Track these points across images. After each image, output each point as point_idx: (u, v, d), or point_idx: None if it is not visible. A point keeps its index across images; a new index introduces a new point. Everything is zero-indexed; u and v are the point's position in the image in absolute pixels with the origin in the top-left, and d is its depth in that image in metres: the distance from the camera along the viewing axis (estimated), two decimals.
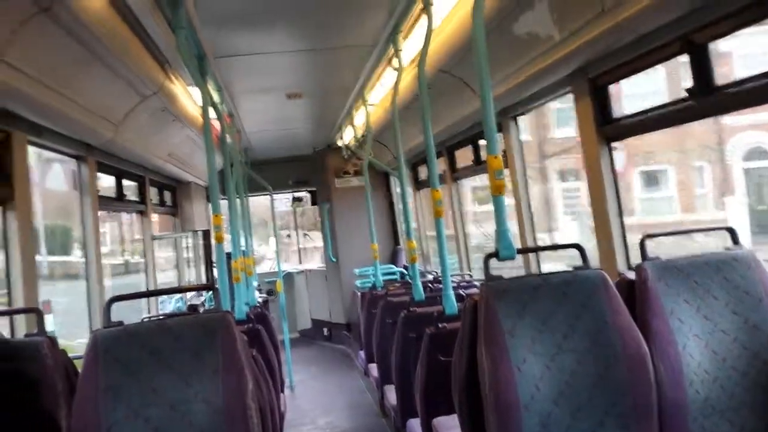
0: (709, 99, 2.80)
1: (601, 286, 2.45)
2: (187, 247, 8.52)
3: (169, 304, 7.01)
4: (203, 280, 8.98)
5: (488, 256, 2.63)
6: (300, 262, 11.94)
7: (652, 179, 6.68)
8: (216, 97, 5.25)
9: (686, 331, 2.44)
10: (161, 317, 3.12)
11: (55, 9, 2.75)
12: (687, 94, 2.91)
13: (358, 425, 5.92)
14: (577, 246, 2.67)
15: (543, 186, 8.79)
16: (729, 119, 4.96)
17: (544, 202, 8.81)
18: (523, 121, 4.87)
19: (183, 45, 3.58)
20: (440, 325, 3.51)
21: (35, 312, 2.63)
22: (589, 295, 2.43)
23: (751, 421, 2.41)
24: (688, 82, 2.87)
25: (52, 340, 2.49)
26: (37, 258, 3.63)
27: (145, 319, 3.12)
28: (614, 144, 3.67)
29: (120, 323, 2.51)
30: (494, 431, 2.28)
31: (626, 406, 2.32)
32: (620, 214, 3.61)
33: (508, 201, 4.80)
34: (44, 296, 3.62)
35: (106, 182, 5.37)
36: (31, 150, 3.68)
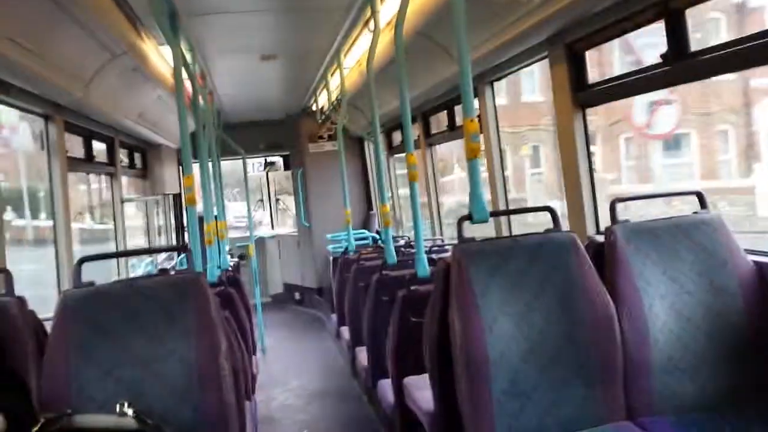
0: (683, 64, 2.83)
1: (571, 249, 2.50)
2: (157, 213, 8.43)
3: (140, 269, 6.95)
4: (173, 243, 8.92)
5: (461, 219, 2.66)
6: (272, 227, 11.90)
7: (673, 144, 6.39)
8: (188, 57, 5.14)
9: (652, 292, 2.51)
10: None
11: None
12: (661, 60, 2.94)
13: (329, 386, 5.99)
14: (548, 208, 2.71)
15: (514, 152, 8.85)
16: (756, 81, 4.77)
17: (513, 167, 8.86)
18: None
19: (155, 2, 3.50)
20: (412, 288, 3.54)
21: (3, 272, 2.59)
22: (559, 257, 2.48)
23: (712, 378, 2.49)
24: None
25: (21, 300, 2.46)
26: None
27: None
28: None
29: (91, 283, 2.49)
30: (464, 388, 2.33)
31: (592, 365, 2.39)
32: (591, 178, 3.65)
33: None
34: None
35: (76, 144, 5.27)
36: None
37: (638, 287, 2.50)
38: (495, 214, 2.84)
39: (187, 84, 5.02)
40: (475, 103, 4.85)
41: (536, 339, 2.38)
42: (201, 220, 4.55)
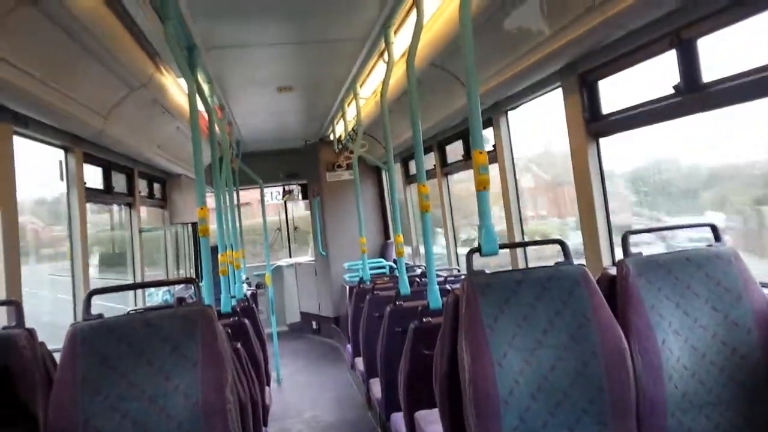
0: (695, 96, 2.81)
1: (582, 282, 2.45)
2: (176, 242, 8.49)
3: (157, 297, 6.99)
4: (192, 273, 8.96)
5: (471, 251, 2.63)
6: (290, 256, 11.93)
7: None
8: (206, 89, 5.22)
9: (666, 327, 2.45)
10: (142, 310, 3.11)
11: None
12: (674, 91, 2.92)
13: (343, 419, 5.93)
14: (559, 241, 2.67)
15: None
16: None
17: None
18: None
19: (172, 36, 3.56)
20: (424, 320, 3.51)
21: (14, 304, 2.61)
22: (570, 290, 2.44)
23: (728, 416, 2.42)
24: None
25: (31, 332, 2.47)
26: None
27: (131, 312, 3.10)
28: None
29: (99, 316, 2.50)
30: (473, 425, 2.28)
31: (604, 402, 2.33)
32: (606, 209, 3.61)
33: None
34: None
35: (95, 174, 5.35)
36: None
37: (651, 321, 2.44)
38: (505, 246, 2.81)
39: (205, 115, 5.09)
40: (491, 132, 4.91)
41: (546, 375, 2.33)
42: (215, 249, 4.57)
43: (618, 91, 3.47)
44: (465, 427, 2.37)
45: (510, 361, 2.32)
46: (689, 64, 2.82)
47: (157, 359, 2.37)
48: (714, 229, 2.70)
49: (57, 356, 2.49)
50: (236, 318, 4.36)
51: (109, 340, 2.38)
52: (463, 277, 2.53)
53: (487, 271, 2.53)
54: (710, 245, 2.67)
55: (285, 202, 11.75)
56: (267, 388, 4.72)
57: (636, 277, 2.51)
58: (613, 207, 3.68)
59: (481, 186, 2.69)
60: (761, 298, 2.51)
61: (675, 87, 2.90)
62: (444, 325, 2.53)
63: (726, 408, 2.42)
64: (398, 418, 3.84)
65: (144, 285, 5.35)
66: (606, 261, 3.57)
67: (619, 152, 3.72)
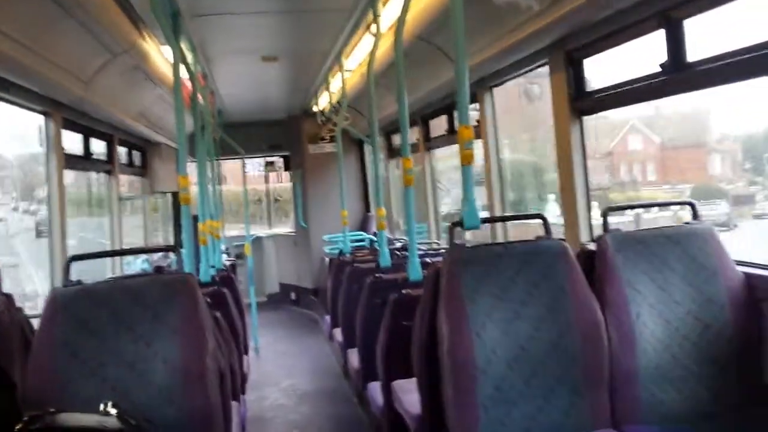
0: (681, 75, 2.83)
1: (562, 256, 2.50)
2: (155, 210, 8.44)
3: (135, 266, 6.95)
4: (172, 242, 8.92)
5: (453, 225, 2.66)
6: (270, 227, 11.91)
7: None
8: (189, 58, 5.15)
9: (641, 301, 2.51)
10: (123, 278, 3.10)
11: None
12: (660, 69, 2.94)
13: (320, 387, 5.99)
14: (540, 216, 2.71)
15: None
16: None
17: None
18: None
19: (156, 1, 3.50)
20: (404, 291, 3.54)
21: None
22: (550, 264, 2.48)
23: (698, 389, 2.49)
24: None
25: (8, 297, 2.45)
26: None
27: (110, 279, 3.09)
28: None
29: (79, 282, 2.49)
30: (450, 394, 2.33)
31: (578, 373, 2.39)
32: (587, 186, 3.65)
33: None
34: None
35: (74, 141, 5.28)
36: None
37: (627, 295, 2.49)
38: (487, 220, 2.84)
39: (188, 83, 5.03)
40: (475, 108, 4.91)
41: (523, 346, 2.38)
42: (196, 218, 4.55)
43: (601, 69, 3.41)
44: (442, 396, 2.42)
45: (488, 332, 2.36)
46: (676, 43, 2.83)
47: (137, 325, 2.36)
48: (693, 207, 2.75)
49: (35, 322, 2.48)
50: (216, 287, 4.36)
51: (89, 306, 2.37)
52: (443, 251, 2.56)
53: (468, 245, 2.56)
54: (688, 223, 2.72)
55: (266, 174, 11.69)
56: (245, 357, 4.75)
57: (614, 252, 2.56)
58: (722, 175, 3.44)
59: (466, 161, 2.70)
60: (735, 276, 2.57)
61: (662, 65, 2.92)
62: (424, 296, 2.57)
63: (697, 382, 2.49)
64: (375, 387, 3.89)
65: (124, 252, 5.33)
66: (584, 237, 3.61)
67: (732, 116, 3.42)
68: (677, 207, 3.39)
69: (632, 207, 3.07)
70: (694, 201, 2.76)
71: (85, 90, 4.31)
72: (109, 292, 2.42)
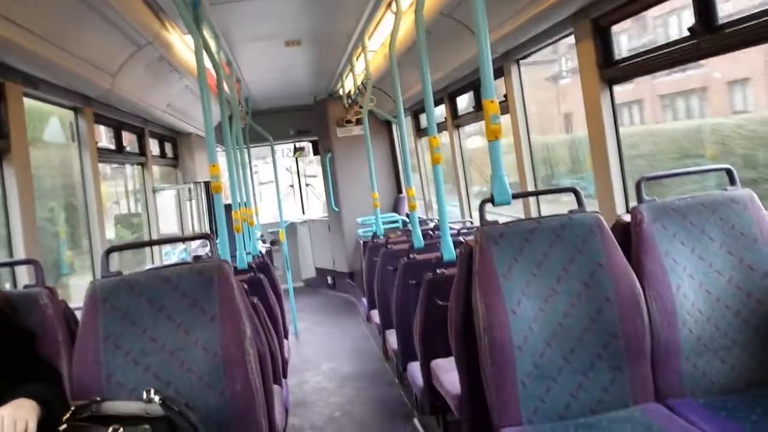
0: (711, 38, 2.74)
1: (596, 229, 2.45)
2: (189, 200, 8.54)
3: (174, 256, 7.07)
4: (207, 230, 9.04)
5: (483, 202, 2.63)
6: (303, 212, 11.98)
7: None
8: (212, 45, 5.17)
9: (680, 272, 2.46)
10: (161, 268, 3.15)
11: None
12: (689, 33, 2.86)
13: (361, 369, 6.03)
14: (572, 189, 2.66)
15: None
16: None
17: None
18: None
19: None
20: (438, 271, 3.53)
21: (33, 263, 2.65)
22: (584, 238, 2.44)
23: (743, 359, 2.44)
24: None
25: (52, 291, 2.51)
26: None
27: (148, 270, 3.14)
28: None
29: (119, 273, 2.54)
30: (489, 372, 2.32)
31: (618, 347, 2.36)
32: (620, 155, 3.58)
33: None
34: None
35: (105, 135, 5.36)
36: None
37: (665, 267, 2.44)
38: (517, 195, 2.80)
39: (213, 72, 5.05)
40: (502, 82, 4.84)
41: (561, 322, 2.35)
42: (229, 207, 4.59)
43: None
44: (480, 374, 2.41)
45: (524, 309, 2.34)
46: (705, 5, 2.74)
47: (176, 314, 2.40)
48: (729, 173, 2.68)
49: (78, 314, 2.54)
50: (253, 274, 4.41)
51: (128, 297, 2.41)
52: (476, 229, 2.53)
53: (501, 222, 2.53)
54: (725, 189, 2.65)
55: (296, 159, 11.74)
56: (285, 341, 4.80)
57: (650, 223, 2.50)
58: None
59: (493, 135, 2.66)
60: None
61: (690, 29, 2.83)
62: (458, 275, 2.55)
63: (741, 351, 2.44)
64: (414, 367, 3.91)
65: (160, 242, 5.42)
66: (620, 209, 3.55)
67: None
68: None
69: (668, 176, 2.99)
70: (731, 167, 2.68)
71: (113, 83, 4.36)
72: (147, 282, 2.46)
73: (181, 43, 5.13)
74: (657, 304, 2.41)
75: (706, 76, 3.84)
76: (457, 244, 3.85)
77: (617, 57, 3.51)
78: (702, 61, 3.27)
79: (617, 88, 3.63)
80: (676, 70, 3.63)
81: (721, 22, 2.70)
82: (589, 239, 2.44)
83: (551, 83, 5.98)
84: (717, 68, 3.66)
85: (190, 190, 8.48)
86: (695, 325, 2.42)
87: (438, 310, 3.31)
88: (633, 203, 3.52)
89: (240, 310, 2.44)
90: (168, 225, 7.71)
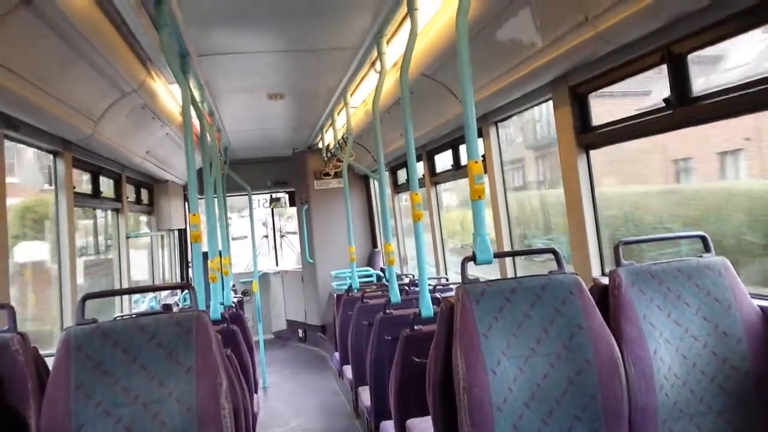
0: (686, 109, 2.85)
1: (576, 291, 2.48)
2: (162, 247, 8.45)
3: (143, 304, 6.94)
4: (178, 279, 8.91)
5: (466, 260, 2.65)
6: (276, 264, 11.90)
7: None
8: (197, 96, 5.21)
9: (657, 336, 2.49)
10: (134, 316, 3.09)
11: (37, 2, 2.72)
12: (665, 104, 2.97)
13: (330, 427, 5.91)
14: (552, 250, 2.70)
15: None
16: None
17: None
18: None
19: (166, 42, 3.56)
20: (416, 327, 3.52)
21: (6, 308, 2.59)
22: (564, 299, 2.46)
23: (719, 425, 2.45)
24: None
25: (23, 336, 2.45)
26: None
27: (118, 318, 3.08)
28: None
29: (93, 320, 2.49)
30: None
31: (597, 410, 2.36)
32: (596, 219, 3.66)
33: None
34: None
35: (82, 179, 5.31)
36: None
37: (643, 330, 2.48)
38: (499, 255, 2.83)
39: (195, 122, 5.08)
40: (480, 143, 4.95)
41: (540, 383, 2.36)
42: (205, 255, 4.56)
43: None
44: None
45: (504, 370, 2.34)
46: (680, 78, 2.86)
47: (151, 365, 2.35)
48: (704, 239, 2.75)
49: (49, 361, 2.47)
50: (226, 325, 4.35)
51: (103, 345, 2.36)
52: (451, 286, 2.55)
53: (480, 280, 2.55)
54: (700, 256, 2.71)
55: (272, 210, 11.72)
56: (255, 395, 4.70)
57: (628, 286, 2.54)
58: None
59: (476, 195, 2.71)
60: (751, 309, 2.55)
61: (666, 100, 2.95)
62: (438, 332, 2.55)
63: (716, 417, 2.46)
64: (388, 426, 3.84)
65: (138, 290, 5.36)
66: (596, 271, 3.60)
67: None
68: None
69: (645, 241, 3.05)
70: (705, 234, 2.75)
71: (95, 128, 4.36)
72: (123, 331, 2.41)
73: (165, 91, 5.17)
74: (636, 367, 2.43)
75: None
76: (433, 300, 3.85)
77: (593, 124, 3.63)
78: None
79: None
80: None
81: (696, 94, 2.82)
82: (569, 300, 2.46)
83: None
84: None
85: (163, 237, 8.40)
86: (671, 389, 2.44)
87: (415, 367, 3.28)
88: (608, 266, 3.60)
89: (217, 362, 2.40)
90: (139, 271, 7.60)
